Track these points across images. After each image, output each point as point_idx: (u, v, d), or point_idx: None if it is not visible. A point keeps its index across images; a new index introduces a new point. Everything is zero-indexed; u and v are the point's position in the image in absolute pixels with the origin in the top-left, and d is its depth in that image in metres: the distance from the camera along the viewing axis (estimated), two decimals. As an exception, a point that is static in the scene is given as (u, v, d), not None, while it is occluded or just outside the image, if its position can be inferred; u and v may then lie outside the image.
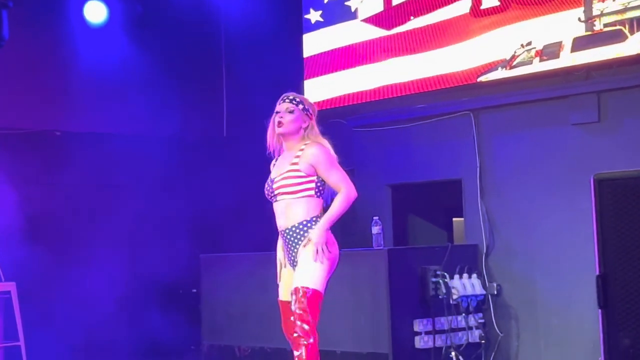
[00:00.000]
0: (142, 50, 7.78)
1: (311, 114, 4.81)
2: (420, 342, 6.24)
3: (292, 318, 4.52)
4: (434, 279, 6.27)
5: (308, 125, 4.77)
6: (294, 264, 4.69)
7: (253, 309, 6.77)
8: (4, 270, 6.87)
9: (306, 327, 4.45)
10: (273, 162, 4.89)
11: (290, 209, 4.67)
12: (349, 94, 7.50)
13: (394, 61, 7.23)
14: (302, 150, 4.70)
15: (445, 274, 6.30)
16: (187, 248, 7.63)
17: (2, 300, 6.85)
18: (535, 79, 6.48)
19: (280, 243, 4.82)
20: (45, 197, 7.43)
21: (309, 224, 4.65)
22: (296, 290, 4.52)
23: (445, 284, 6.27)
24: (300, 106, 4.77)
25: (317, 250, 4.54)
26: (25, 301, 6.87)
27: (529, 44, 6.41)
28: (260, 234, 6.01)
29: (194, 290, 7.12)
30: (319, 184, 4.69)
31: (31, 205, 7.27)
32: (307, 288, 4.51)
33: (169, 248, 7.70)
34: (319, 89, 7.67)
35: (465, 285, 6.49)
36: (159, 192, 7.76)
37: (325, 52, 7.64)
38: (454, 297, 6.38)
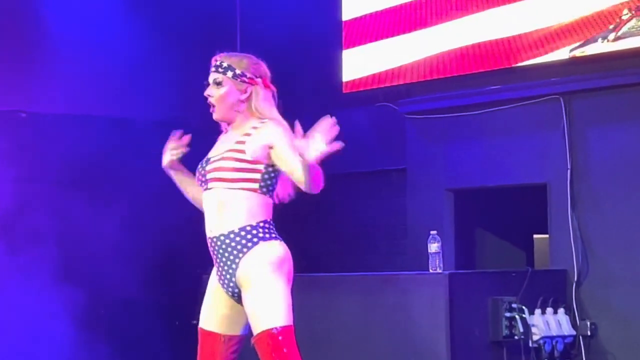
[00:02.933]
0: (133, 15, 7.83)
1: (251, 78, 4.52)
2: None
3: None
4: (508, 314, 6.25)
5: (250, 96, 4.50)
6: (230, 288, 4.48)
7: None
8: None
9: None
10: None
11: (225, 205, 4.43)
12: (400, 70, 7.51)
13: (460, 25, 7.26)
14: (255, 128, 4.45)
15: (524, 307, 6.29)
16: (188, 263, 7.62)
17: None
18: None
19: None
20: (7, 193, 7.40)
21: (254, 231, 4.40)
22: (266, 335, 4.30)
23: (523, 320, 6.25)
24: (230, 73, 4.50)
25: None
26: None
27: (640, 7, 6.46)
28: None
29: (195, 322, 7.17)
30: (266, 176, 4.42)
31: None
32: (278, 328, 4.33)
33: (165, 263, 7.80)
34: (362, 62, 7.70)
35: (549, 322, 6.47)
36: (154, 189, 7.49)
37: (371, 14, 7.66)
38: (535, 338, 6.33)
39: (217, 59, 4.56)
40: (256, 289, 4.37)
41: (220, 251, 4.45)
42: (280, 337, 4.32)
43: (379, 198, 8.08)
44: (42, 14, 7.61)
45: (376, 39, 7.62)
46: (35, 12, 7.62)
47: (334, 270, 7.42)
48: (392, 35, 7.54)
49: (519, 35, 6.95)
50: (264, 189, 4.43)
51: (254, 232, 4.41)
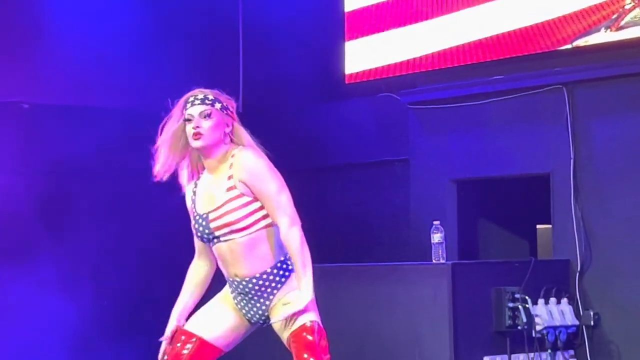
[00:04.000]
0: (135, 6, 7.84)
1: (232, 112, 4.55)
2: None
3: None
4: (511, 304, 6.26)
5: (232, 129, 4.51)
6: (257, 317, 4.54)
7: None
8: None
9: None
10: (190, 188, 4.58)
11: (251, 253, 4.43)
12: (403, 61, 7.50)
13: (462, 16, 7.24)
14: (232, 157, 4.45)
15: (527, 297, 6.28)
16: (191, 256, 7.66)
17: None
18: None
19: (180, 313, 4.61)
20: (7, 185, 7.39)
21: (284, 265, 4.47)
22: (305, 329, 4.40)
23: (526, 310, 6.24)
24: (218, 105, 4.48)
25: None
26: None
27: (643, -4, 6.45)
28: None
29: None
30: None
31: None
32: (315, 322, 4.44)
33: (168, 256, 7.66)
34: (365, 53, 7.67)
35: (552, 312, 6.46)
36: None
37: (373, 5, 7.64)
38: (538, 328, 6.33)
39: (196, 94, 4.52)
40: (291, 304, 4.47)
41: (252, 292, 4.47)
42: (315, 330, 4.40)
43: (382, 189, 8.06)
44: (44, 5, 7.61)
45: (379, 31, 7.60)
46: (37, 3, 7.62)
47: (339, 261, 7.35)
48: (395, 27, 7.53)
49: (523, 28, 6.90)
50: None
51: (284, 266, 4.45)
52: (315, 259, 6.65)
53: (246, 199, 4.38)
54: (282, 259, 4.43)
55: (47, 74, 7.64)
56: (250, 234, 4.40)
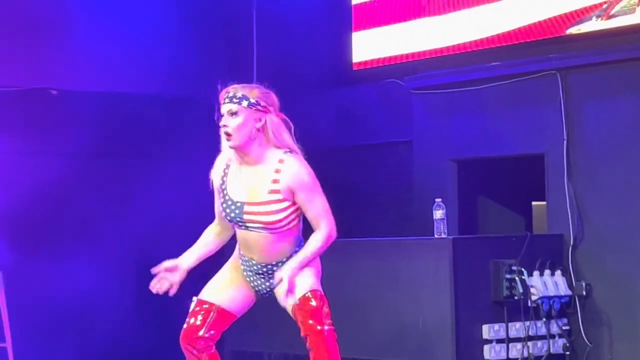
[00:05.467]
0: None
1: (265, 106, 4.46)
2: (490, 352, 6.23)
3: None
4: (508, 276, 6.27)
5: (265, 124, 4.44)
6: (262, 288, 4.67)
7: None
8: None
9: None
10: (221, 167, 4.59)
11: (274, 246, 4.54)
12: (406, 49, 7.44)
13: (463, 15, 7.16)
14: (281, 163, 4.45)
15: (523, 269, 6.29)
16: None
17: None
18: (638, 31, 6.39)
19: (195, 256, 4.69)
20: (39, 169, 7.42)
21: (295, 253, 4.57)
22: (308, 297, 4.48)
23: (523, 282, 6.26)
24: (245, 102, 4.41)
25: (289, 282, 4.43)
26: (12, 295, 6.91)
27: (632, -13, 6.30)
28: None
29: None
30: (297, 206, 4.54)
31: (21, 179, 7.32)
32: (317, 291, 4.52)
33: (191, 236, 7.75)
34: (371, 43, 7.61)
35: (546, 283, 6.47)
36: (180, 163, 7.72)
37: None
38: (533, 298, 6.35)
39: (228, 91, 4.46)
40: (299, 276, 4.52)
41: (263, 272, 4.60)
42: (317, 297, 4.50)
43: (388, 168, 8.04)
44: None
45: (383, 23, 7.51)
46: None
47: (347, 236, 7.06)
48: (399, 20, 7.43)
49: (518, 29, 6.86)
50: (301, 216, 4.56)
51: (296, 253, 4.56)
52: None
53: (286, 203, 4.44)
54: (296, 249, 4.56)
55: (74, 61, 7.61)
56: (279, 232, 4.49)
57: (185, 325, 4.63)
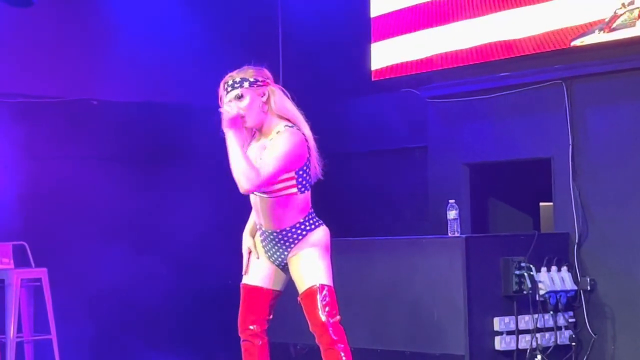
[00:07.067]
0: (189, 12, 7.88)
1: (263, 80, 4.57)
2: (501, 344, 6.27)
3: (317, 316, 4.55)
4: (517, 272, 6.29)
5: (267, 97, 4.55)
6: (278, 261, 4.69)
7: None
8: (34, 255, 6.90)
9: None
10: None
11: (273, 212, 4.57)
12: (422, 60, 7.47)
13: (474, 22, 7.19)
14: (277, 134, 4.52)
15: (531, 266, 6.31)
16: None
17: (31, 289, 6.91)
18: (638, 43, 6.40)
19: (250, 232, 4.77)
20: (80, 174, 7.48)
21: (302, 226, 4.60)
22: (313, 290, 4.53)
23: (531, 277, 6.28)
24: (246, 83, 4.53)
25: None
26: (57, 290, 6.93)
27: (632, 2, 6.33)
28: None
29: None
30: (300, 179, 4.56)
31: (65, 183, 7.37)
32: (322, 284, 4.55)
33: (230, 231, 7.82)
34: (388, 53, 7.66)
35: (553, 279, 6.49)
36: (212, 167, 7.58)
37: (396, 11, 7.61)
38: (541, 292, 6.38)
39: (226, 81, 4.56)
40: (304, 259, 4.60)
41: (274, 241, 4.64)
42: (324, 291, 4.54)
43: (404, 172, 8.06)
44: (111, 12, 7.63)
45: (400, 33, 7.53)
46: (105, 10, 7.62)
47: (366, 235, 7.41)
48: (416, 30, 7.45)
49: (526, 37, 6.85)
50: (302, 189, 4.56)
51: (302, 226, 4.58)
52: (344, 234, 6.30)
53: None
54: (301, 220, 4.57)
55: (113, 73, 7.68)
56: (275, 197, 4.50)
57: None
